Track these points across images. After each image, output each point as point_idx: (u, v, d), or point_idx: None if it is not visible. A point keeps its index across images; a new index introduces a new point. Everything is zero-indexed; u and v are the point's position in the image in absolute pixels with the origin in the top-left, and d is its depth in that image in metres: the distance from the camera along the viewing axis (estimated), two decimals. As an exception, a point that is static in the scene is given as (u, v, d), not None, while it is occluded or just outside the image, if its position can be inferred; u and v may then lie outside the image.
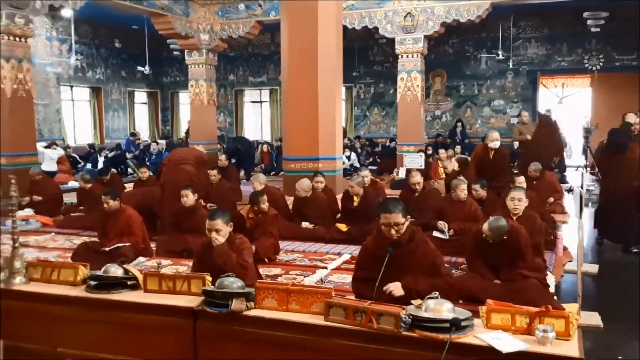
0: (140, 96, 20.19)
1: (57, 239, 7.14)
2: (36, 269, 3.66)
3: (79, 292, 3.51)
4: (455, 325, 2.63)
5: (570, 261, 5.84)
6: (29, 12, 9.65)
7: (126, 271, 3.60)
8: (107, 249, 5.67)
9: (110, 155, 15.09)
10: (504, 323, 2.85)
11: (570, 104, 16.32)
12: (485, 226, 4.38)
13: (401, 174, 12.32)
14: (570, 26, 15.27)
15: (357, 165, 13.66)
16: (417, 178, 7.07)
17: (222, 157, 10.39)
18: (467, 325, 2.73)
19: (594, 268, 5.68)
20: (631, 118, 8.50)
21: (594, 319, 4.18)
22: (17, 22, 9.47)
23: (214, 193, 8.02)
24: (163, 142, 18.02)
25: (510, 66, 15.58)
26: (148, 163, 15.58)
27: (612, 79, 15.23)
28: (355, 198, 6.87)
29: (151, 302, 3.31)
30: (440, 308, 2.88)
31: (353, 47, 15.91)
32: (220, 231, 3.87)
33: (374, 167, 14.13)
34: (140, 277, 3.55)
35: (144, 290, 3.49)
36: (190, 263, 5.65)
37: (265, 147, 15.28)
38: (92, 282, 3.56)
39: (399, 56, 12.54)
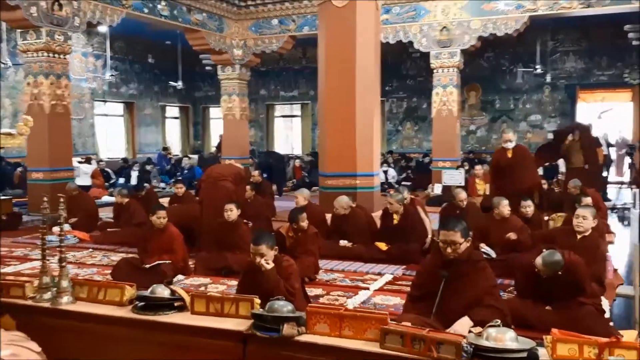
0: (172, 111, 20.40)
1: (95, 255, 7.14)
2: (82, 288, 3.61)
3: (125, 312, 3.45)
4: (533, 357, 2.47)
5: (622, 284, 5.60)
6: (67, 29, 9.80)
7: (173, 292, 3.53)
8: (147, 265, 5.62)
9: (147, 167, 15.20)
10: (570, 354, 2.70)
11: (610, 119, 15.94)
12: (538, 260, 4.13)
13: (436, 190, 12.14)
14: (610, 39, 14.93)
15: (393, 181, 13.51)
16: (463, 195, 6.88)
17: (256, 172, 10.35)
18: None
19: (636, 281, 5.41)
20: None
21: (655, 347, 3.94)
22: (56, 39, 9.62)
23: (249, 209, 7.94)
24: (195, 156, 18.12)
25: (548, 80, 15.31)
26: (180, 177, 15.77)
27: (653, 93, 14.84)
28: (395, 216, 6.72)
29: (199, 325, 3.23)
30: (502, 337, 2.75)
31: (386, 61, 15.60)
32: (265, 256, 3.78)
33: (408, 183, 13.95)
34: (187, 298, 3.47)
35: (191, 312, 3.42)
36: (230, 282, 5.64)
37: (297, 162, 15.23)
38: (139, 303, 3.50)
39: (434, 70, 12.39)
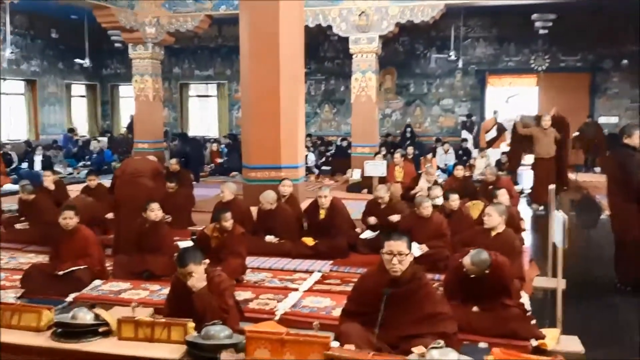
0: (78, 89, 19.28)
1: (2, 256, 6.60)
2: (-8, 314, 3.30)
3: (44, 340, 3.19)
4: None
5: (538, 275, 5.86)
6: (-40, 4, 8.91)
7: (97, 316, 3.29)
8: (60, 272, 5.25)
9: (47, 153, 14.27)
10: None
11: (516, 103, 16.69)
12: (466, 260, 4.24)
13: (355, 175, 12.24)
14: (519, 27, 15.54)
15: (313, 166, 13.48)
16: (382, 192, 6.91)
17: (173, 161, 9.95)
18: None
19: (561, 284, 5.70)
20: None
21: (574, 343, 4.15)
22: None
23: (168, 203, 7.63)
24: (104, 138, 17.24)
25: (460, 65, 15.73)
26: (89, 162, 14.98)
27: (557, 79, 15.64)
28: (321, 210, 6.68)
29: (128, 354, 3.04)
30: (445, 359, 2.77)
31: (304, 43, 15.63)
32: (195, 274, 3.57)
33: (327, 168, 14.00)
34: (113, 322, 3.26)
35: (118, 337, 3.21)
36: (152, 286, 5.39)
37: (215, 146, 14.83)
38: (59, 329, 3.24)
39: (354, 55, 12.38)
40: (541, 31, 14.63)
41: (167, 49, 14.40)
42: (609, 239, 5.84)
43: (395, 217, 6.74)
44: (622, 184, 5.47)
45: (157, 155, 11.88)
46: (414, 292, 3.44)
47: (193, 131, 18.77)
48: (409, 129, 15.92)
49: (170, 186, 8.11)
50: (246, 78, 7.88)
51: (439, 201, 6.98)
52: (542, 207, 9.40)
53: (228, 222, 5.67)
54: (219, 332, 3.00)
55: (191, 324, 3.13)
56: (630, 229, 5.41)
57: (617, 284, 5.49)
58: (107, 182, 9.33)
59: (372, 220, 6.88)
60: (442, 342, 2.75)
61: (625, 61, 14.78)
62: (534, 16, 14.09)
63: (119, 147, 16.79)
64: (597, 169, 13.77)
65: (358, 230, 7.11)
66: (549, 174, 9.28)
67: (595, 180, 12.54)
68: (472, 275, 4.24)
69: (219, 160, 14.83)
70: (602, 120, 15.20)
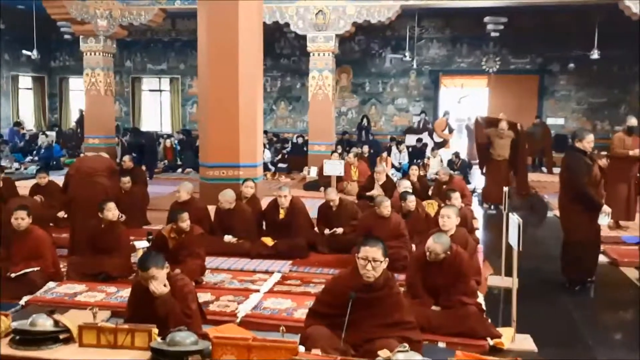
0: (25, 81, 18.60)
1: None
2: (-56, 322, 3.18)
3: (2, 348, 3.09)
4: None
5: (492, 273, 6.04)
6: None
7: (56, 322, 3.21)
8: (12, 275, 5.08)
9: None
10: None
11: (468, 103, 17.10)
12: (429, 240, 4.47)
13: (312, 173, 12.30)
14: (471, 29, 15.90)
15: (269, 162, 13.43)
16: (333, 195, 6.93)
17: (126, 158, 9.72)
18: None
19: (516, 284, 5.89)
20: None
21: (527, 342, 4.31)
22: None
23: (122, 202, 7.47)
24: (52, 133, 16.69)
25: (414, 65, 15.97)
26: (37, 157, 14.51)
27: (507, 80, 16.08)
28: (281, 210, 6.69)
29: (90, 361, 2.98)
30: (410, 362, 2.83)
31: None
32: (156, 278, 3.53)
33: (284, 165, 13.99)
34: (74, 329, 3.18)
35: (79, 344, 3.14)
36: (108, 288, 5.28)
37: (168, 142, 14.58)
38: (17, 336, 3.15)
39: (311, 54, 12.42)
40: (493, 34, 15.03)
41: (119, 42, 14.07)
42: (557, 238, 6.05)
43: (339, 230, 6.76)
44: (569, 185, 5.69)
45: (108, 150, 11.63)
46: (383, 298, 3.49)
47: (145, 126, 18.40)
48: (365, 119, 15.99)
49: (124, 182, 7.95)
50: (204, 75, 7.81)
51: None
52: (492, 207, 9.70)
53: (185, 222, 5.60)
54: (185, 338, 2.97)
55: (155, 330, 3.09)
56: (577, 230, 5.64)
57: (566, 284, 5.71)
58: (56, 178, 9.09)
59: (327, 231, 6.88)
60: (407, 346, 2.81)
61: (572, 65, 15.32)
62: (486, 19, 14.45)
63: (68, 141, 16.31)
64: (545, 169, 14.27)
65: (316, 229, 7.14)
66: (501, 175, 9.58)
67: (543, 180, 12.99)
68: (433, 259, 4.41)
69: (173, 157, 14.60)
70: (549, 121, 15.73)
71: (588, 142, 5.56)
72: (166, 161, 14.37)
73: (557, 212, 6.77)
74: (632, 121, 8.14)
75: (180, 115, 18.19)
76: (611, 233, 7.60)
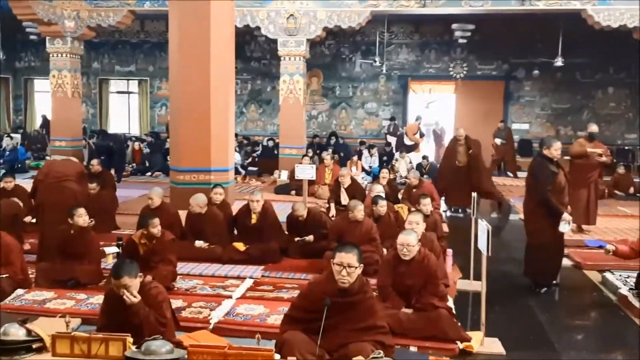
0: (-12, 82, 18.17)
1: None
2: None
3: (-30, 360, 3.04)
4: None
5: (461, 277, 6.15)
6: None
7: (29, 332, 3.18)
8: (-21, 283, 4.98)
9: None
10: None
11: (436, 109, 17.35)
12: (400, 237, 4.58)
13: (283, 176, 12.32)
14: (439, 35, 16.17)
15: (239, 165, 13.38)
16: (301, 211, 6.89)
17: (95, 161, 9.53)
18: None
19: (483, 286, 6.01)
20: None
21: (496, 345, 4.41)
22: None
23: (91, 207, 7.37)
24: (17, 135, 16.32)
25: (383, 70, 16.14)
26: (1, 160, 14.18)
27: (474, 86, 16.36)
28: (253, 215, 6.69)
29: (63, 371, 2.96)
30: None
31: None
32: (130, 286, 3.51)
33: (254, 168, 13.97)
34: (47, 338, 3.16)
35: (52, 354, 3.11)
36: (78, 295, 5.21)
37: (137, 145, 14.41)
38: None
39: (282, 58, 12.44)
40: (460, 40, 15.31)
41: (86, 43, 13.87)
42: (523, 241, 6.20)
43: (310, 238, 6.77)
44: (534, 190, 5.85)
45: (75, 153, 11.46)
46: (358, 303, 3.54)
47: (113, 128, 18.17)
48: (333, 137, 16.02)
49: (92, 187, 7.85)
50: (175, 78, 7.77)
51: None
52: (455, 209, 9.96)
53: (156, 228, 5.56)
54: (160, 347, 2.98)
55: (130, 339, 3.09)
56: (540, 234, 5.81)
57: (534, 287, 5.86)
58: (21, 181, 8.91)
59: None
60: (381, 353, 2.86)
61: (536, 71, 15.69)
62: (454, 26, 14.71)
63: (33, 144, 15.99)
64: (510, 174, 14.56)
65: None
66: (461, 180, 9.88)
67: (509, 184, 13.28)
68: (407, 253, 4.51)
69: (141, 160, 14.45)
70: (514, 126, 16.07)
71: (555, 150, 5.73)
72: (134, 164, 14.20)
73: (522, 216, 6.94)
74: (593, 128, 8.40)
75: (149, 118, 18.00)
76: (575, 237, 7.82)
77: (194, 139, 7.50)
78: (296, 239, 6.79)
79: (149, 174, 13.73)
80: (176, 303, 5.01)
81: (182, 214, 7.03)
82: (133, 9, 12.54)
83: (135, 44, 17.78)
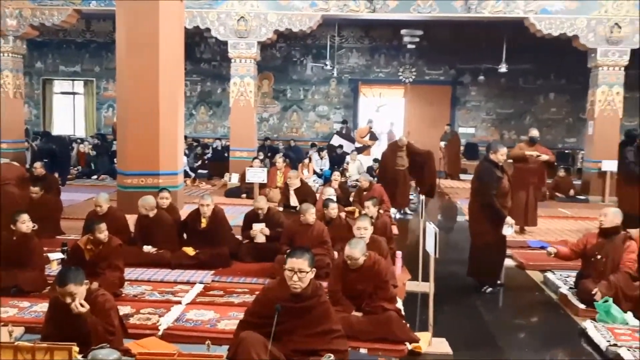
0: None
1: None
2: None
3: None
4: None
5: (410, 279, 6.26)
6: None
7: (-33, 343, 3.06)
8: None
9: None
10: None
11: (386, 113, 17.60)
12: (347, 249, 4.60)
13: (233, 179, 12.24)
14: (389, 40, 16.43)
15: (188, 169, 13.21)
16: (262, 203, 6.96)
17: (38, 164, 9.19)
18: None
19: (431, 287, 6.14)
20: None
21: (443, 346, 4.52)
22: None
23: (34, 211, 7.12)
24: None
25: (334, 74, 16.27)
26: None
27: (422, 91, 16.69)
28: (203, 219, 6.62)
29: (6, 383, 2.87)
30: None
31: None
32: (76, 294, 3.42)
33: (204, 171, 13.83)
34: (-14, 349, 3.04)
35: (-7, 365, 3.00)
36: (21, 303, 5.04)
37: (82, 147, 14.03)
38: None
39: (232, 60, 12.39)
40: (409, 45, 15.61)
41: (29, 42, 13.45)
42: (468, 242, 6.37)
43: (266, 230, 6.82)
44: (479, 193, 6.03)
45: (17, 155, 11.09)
46: (312, 308, 3.56)
47: (57, 130, 17.61)
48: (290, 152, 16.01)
49: (35, 191, 7.58)
50: (123, 79, 7.65)
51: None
52: (401, 212, 10.18)
53: (103, 233, 5.44)
54: (107, 356, 2.93)
55: (76, 349, 3.01)
56: (484, 235, 5.99)
57: (479, 287, 6.03)
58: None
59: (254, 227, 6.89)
60: (332, 356, 2.89)
61: (482, 77, 16.15)
62: (403, 31, 14.98)
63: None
64: (462, 176, 14.92)
65: (239, 237, 7.13)
66: (403, 182, 10.16)
67: (455, 186, 13.61)
68: (354, 265, 4.56)
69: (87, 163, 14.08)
70: (461, 130, 16.50)
71: (501, 155, 5.91)
72: (80, 167, 13.82)
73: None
74: (534, 132, 8.72)
75: (95, 119, 17.59)
76: (518, 238, 8.08)
77: (141, 141, 7.38)
78: (252, 230, 6.77)
79: (95, 177, 13.40)
80: (124, 310, 4.92)
81: (130, 218, 6.91)
82: (78, 8, 12.24)
83: (80, 43, 17.34)
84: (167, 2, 7.54)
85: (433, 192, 10.43)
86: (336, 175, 9.81)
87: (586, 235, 5.87)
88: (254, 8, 12.09)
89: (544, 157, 8.42)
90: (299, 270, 3.49)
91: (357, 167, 13.41)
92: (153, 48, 7.40)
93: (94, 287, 3.81)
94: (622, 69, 11.80)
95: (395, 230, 8.37)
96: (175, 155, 7.66)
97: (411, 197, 10.84)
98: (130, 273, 5.92)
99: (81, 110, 17.93)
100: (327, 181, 11.55)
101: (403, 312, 4.94)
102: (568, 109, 16.49)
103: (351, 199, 9.36)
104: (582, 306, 5.28)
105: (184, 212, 7.32)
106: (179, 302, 5.19)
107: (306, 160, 13.69)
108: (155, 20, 7.41)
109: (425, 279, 5.28)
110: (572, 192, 12.22)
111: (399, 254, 6.86)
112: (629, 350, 4.26)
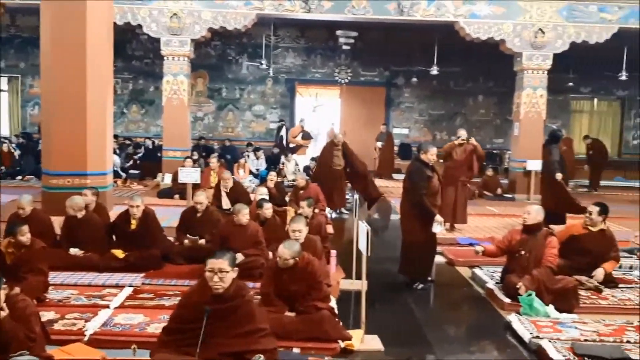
0: None
1: None
2: None
3: None
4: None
5: (344, 277, 6.32)
6: None
7: None
8: None
9: None
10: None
11: (322, 113, 17.70)
12: (280, 247, 4.59)
13: (166, 179, 11.98)
14: (325, 41, 16.54)
15: (118, 169, 12.83)
16: (202, 198, 6.88)
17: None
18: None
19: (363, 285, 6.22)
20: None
21: (375, 342, 4.58)
22: None
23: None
24: None
25: (270, 73, 16.22)
26: None
27: (358, 91, 16.89)
28: (132, 221, 6.44)
29: None
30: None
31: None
32: None
33: (136, 171, 13.47)
34: None
35: None
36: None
37: (6, 146, 13.38)
38: None
39: (165, 58, 12.14)
40: (344, 47, 15.77)
41: (-52, 36, 12.73)
42: (400, 240, 6.50)
43: (202, 241, 6.70)
44: (410, 192, 6.16)
45: None
46: (236, 308, 3.52)
47: (-22, 128, 16.73)
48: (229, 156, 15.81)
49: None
50: (48, 75, 7.35)
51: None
52: (337, 211, 10.27)
53: (25, 236, 5.20)
54: (27, 363, 2.80)
55: (-7, 357, 2.87)
56: (414, 232, 6.14)
57: (411, 284, 6.15)
58: None
59: (187, 242, 6.78)
60: (262, 357, 2.88)
61: (414, 79, 16.50)
62: (338, 32, 15.12)
63: None
64: (395, 176, 15.18)
65: (171, 239, 6.99)
66: (337, 182, 10.27)
67: (390, 185, 13.84)
68: (283, 264, 4.55)
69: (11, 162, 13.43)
70: (395, 131, 16.80)
71: (432, 155, 6.07)
72: (4, 167, 13.17)
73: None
74: (462, 133, 9.00)
75: (20, 117, 16.81)
76: (447, 235, 8.31)
77: (68, 140, 7.12)
78: (185, 241, 6.65)
79: (20, 177, 12.83)
80: (48, 315, 4.72)
81: (56, 220, 6.64)
82: (3, 1, 11.69)
83: (5, 38, 16.45)
84: (95, 2, 7.28)
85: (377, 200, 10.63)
86: (272, 175, 9.77)
87: (510, 231, 6.09)
88: (187, 5, 11.90)
89: (474, 141, 8.72)
90: (220, 270, 3.46)
91: (294, 166, 13.42)
92: (79, 47, 7.15)
93: (14, 292, 3.63)
94: (546, 72, 12.37)
95: (330, 229, 8.41)
96: (104, 154, 7.42)
97: (347, 196, 10.95)
98: (55, 277, 5.68)
99: (5, 108, 17.06)
100: (263, 181, 11.49)
101: (337, 311, 4.97)
102: (496, 111, 17.11)
103: (287, 198, 9.35)
104: (507, 300, 5.48)
105: (114, 214, 7.10)
106: (107, 306, 5.03)
107: (242, 160, 13.57)
108: (82, 20, 7.15)
109: (359, 277, 5.34)
110: (499, 190, 12.68)
111: (333, 253, 6.93)
112: (550, 341, 4.45)
